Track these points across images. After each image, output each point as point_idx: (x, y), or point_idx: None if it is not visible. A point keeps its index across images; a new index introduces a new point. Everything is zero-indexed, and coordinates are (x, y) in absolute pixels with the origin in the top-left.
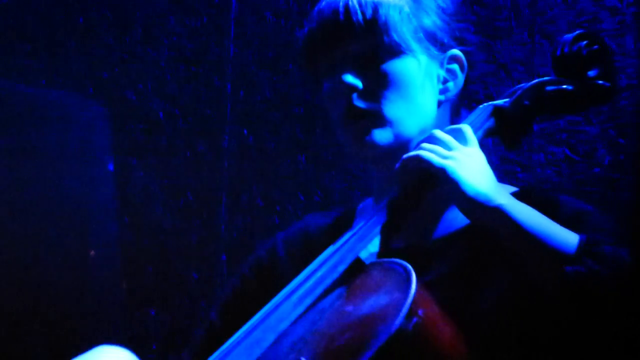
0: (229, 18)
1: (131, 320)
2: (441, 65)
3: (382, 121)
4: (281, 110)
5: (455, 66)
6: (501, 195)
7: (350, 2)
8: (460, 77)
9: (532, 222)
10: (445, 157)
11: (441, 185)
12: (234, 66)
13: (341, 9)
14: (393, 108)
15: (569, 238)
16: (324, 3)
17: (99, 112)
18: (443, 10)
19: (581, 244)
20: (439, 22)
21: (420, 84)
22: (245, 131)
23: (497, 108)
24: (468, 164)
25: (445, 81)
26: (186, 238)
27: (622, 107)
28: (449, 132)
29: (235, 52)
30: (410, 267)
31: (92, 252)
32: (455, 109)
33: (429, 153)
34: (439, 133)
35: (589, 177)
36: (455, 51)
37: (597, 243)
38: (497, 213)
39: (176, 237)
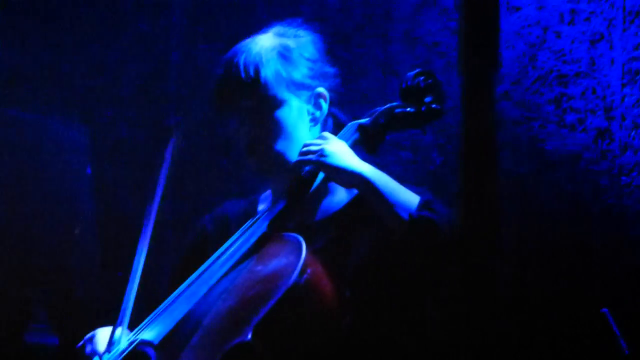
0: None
1: (104, 278)
2: (308, 101)
3: (269, 157)
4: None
5: (320, 100)
6: (362, 166)
7: (237, 67)
8: (325, 107)
9: (386, 184)
10: (317, 153)
11: (323, 172)
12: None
13: (233, 70)
14: (277, 145)
15: (412, 197)
16: (222, 62)
17: (80, 131)
18: (308, 59)
19: (421, 201)
20: (305, 71)
21: (294, 123)
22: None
23: (360, 125)
24: (334, 149)
25: (313, 113)
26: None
27: (449, 123)
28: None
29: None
30: (301, 237)
31: (77, 230)
32: (324, 123)
33: (307, 155)
34: (308, 142)
35: (427, 173)
36: (320, 89)
37: (431, 202)
38: (361, 178)
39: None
